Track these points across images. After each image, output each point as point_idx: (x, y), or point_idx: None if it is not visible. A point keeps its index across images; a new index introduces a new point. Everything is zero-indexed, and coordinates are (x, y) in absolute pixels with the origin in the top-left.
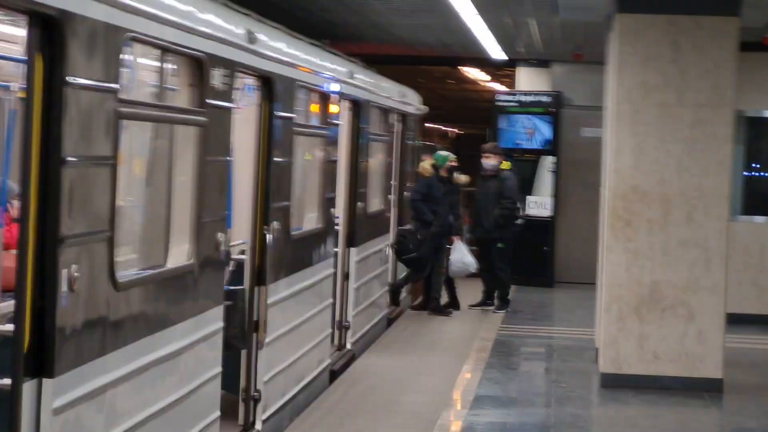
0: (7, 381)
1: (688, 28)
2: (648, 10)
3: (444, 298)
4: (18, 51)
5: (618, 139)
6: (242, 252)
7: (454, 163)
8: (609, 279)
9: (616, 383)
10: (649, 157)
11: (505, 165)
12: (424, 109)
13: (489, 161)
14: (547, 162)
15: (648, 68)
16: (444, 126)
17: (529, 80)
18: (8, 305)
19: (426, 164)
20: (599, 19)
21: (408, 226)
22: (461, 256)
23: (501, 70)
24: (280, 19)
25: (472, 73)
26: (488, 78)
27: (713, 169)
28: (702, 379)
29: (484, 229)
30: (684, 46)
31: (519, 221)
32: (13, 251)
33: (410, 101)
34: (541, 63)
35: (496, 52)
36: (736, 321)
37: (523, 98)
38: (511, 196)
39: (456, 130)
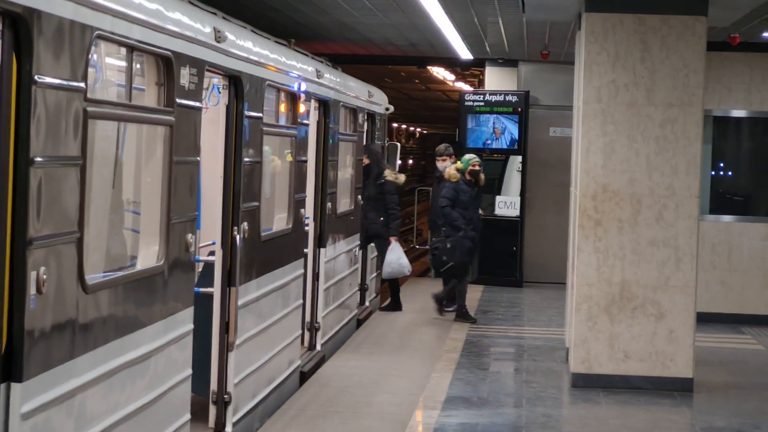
0: None
1: (657, 27)
2: (616, 9)
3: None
4: None
5: (587, 139)
6: (211, 253)
7: (476, 167)
8: (579, 279)
9: (586, 383)
10: (618, 156)
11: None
12: (392, 108)
13: (443, 163)
14: (515, 162)
15: (617, 67)
16: (409, 125)
17: (496, 80)
18: None
19: (451, 169)
20: (567, 19)
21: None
22: (397, 257)
23: (468, 70)
24: (245, 17)
25: (439, 72)
26: (454, 78)
27: (683, 168)
28: (672, 379)
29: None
30: (653, 45)
31: None
32: None
33: (378, 101)
34: (509, 63)
35: (463, 51)
36: (703, 320)
37: (491, 98)
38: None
39: (421, 130)
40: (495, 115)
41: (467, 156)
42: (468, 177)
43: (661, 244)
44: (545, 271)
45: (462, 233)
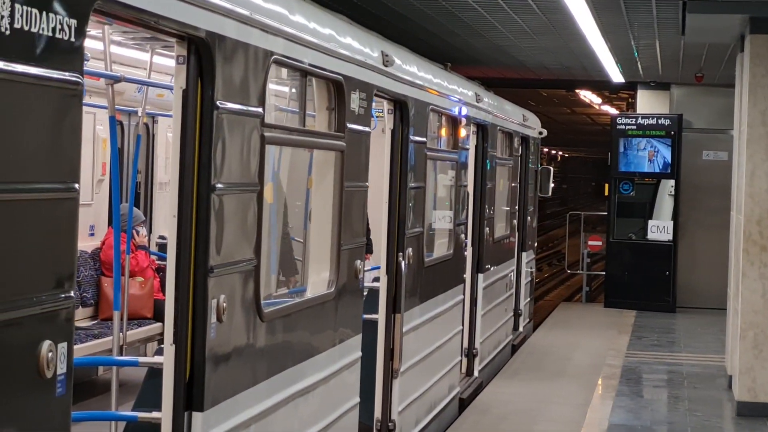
0: (158, 414)
1: None
2: None
3: None
4: (144, 75)
5: (752, 163)
6: (375, 279)
7: None
8: (744, 305)
9: (752, 412)
10: None
11: None
12: (545, 132)
13: None
14: (667, 185)
15: None
16: (551, 148)
17: (647, 103)
18: (137, 333)
19: None
20: (727, 41)
21: None
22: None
23: (616, 93)
24: (400, 40)
25: (586, 96)
26: (600, 101)
27: None
28: None
29: None
30: None
31: None
32: (139, 279)
33: (531, 124)
34: (660, 85)
35: (615, 74)
36: None
37: (643, 121)
38: None
39: (562, 153)
40: (647, 139)
41: None
42: None
43: None
44: (699, 296)
45: None
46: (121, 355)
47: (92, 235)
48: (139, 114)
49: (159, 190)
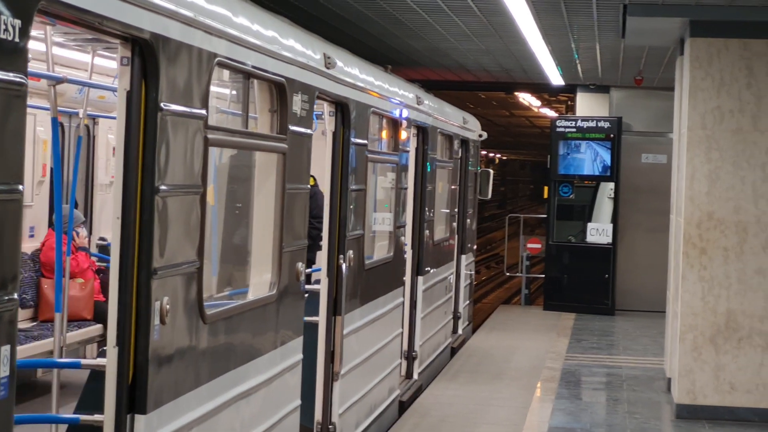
0: (101, 417)
1: (763, 52)
2: (721, 35)
3: None
4: (84, 76)
5: (692, 166)
6: (315, 281)
7: None
8: (683, 308)
9: (691, 414)
10: (724, 183)
11: (311, 181)
12: (485, 135)
13: None
14: (606, 188)
15: (722, 93)
16: (489, 151)
17: (587, 106)
18: (77, 335)
19: None
20: (667, 44)
21: None
22: None
23: (555, 96)
24: (338, 42)
25: (525, 98)
26: (540, 104)
27: None
28: None
29: None
30: (759, 70)
31: None
32: (80, 280)
33: (472, 127)
34: (600, 88)
35: (555, 77)
36: None
37: (583, 124)
38: (319, 214)
39: (501, 156)
40: (586, 142)
41: None
42: None
43: None
44: (638, 298)
45: None
46: (61, 357)
47: (32, 236)
48: (80, 115)
49: (99, 192)
